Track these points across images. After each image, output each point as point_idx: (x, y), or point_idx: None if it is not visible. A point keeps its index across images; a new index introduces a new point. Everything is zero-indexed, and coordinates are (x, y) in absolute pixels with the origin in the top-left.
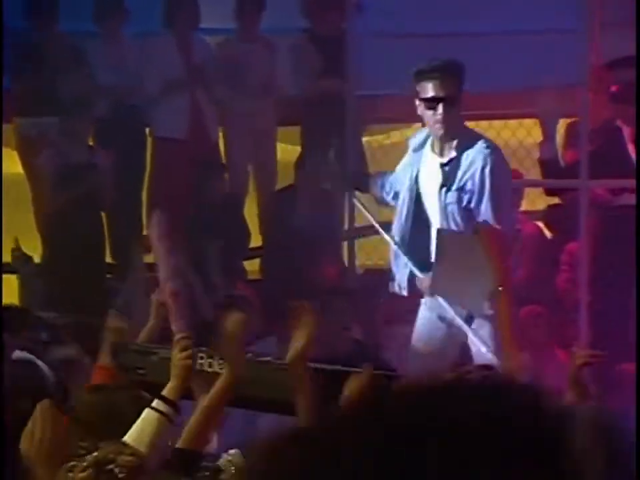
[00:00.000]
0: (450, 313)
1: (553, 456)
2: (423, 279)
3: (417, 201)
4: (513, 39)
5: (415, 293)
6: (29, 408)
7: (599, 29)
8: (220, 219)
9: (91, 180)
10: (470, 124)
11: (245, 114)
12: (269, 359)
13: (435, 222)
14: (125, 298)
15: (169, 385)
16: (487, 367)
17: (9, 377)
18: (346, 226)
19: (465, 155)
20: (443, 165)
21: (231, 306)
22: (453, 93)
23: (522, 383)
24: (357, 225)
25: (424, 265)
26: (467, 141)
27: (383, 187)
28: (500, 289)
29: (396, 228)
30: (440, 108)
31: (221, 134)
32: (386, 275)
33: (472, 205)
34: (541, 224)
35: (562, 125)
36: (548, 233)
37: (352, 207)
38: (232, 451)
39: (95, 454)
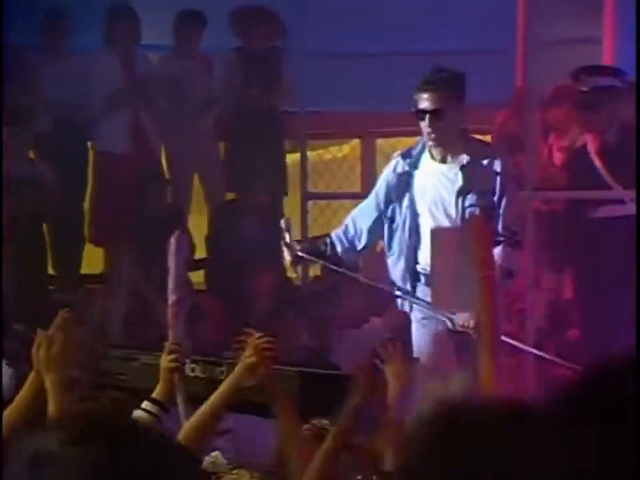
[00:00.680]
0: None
1: None
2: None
3: (414, 215)
4: (443, 59)
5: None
6: None
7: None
8: (164, 230)
9: (34, 193)
10: (407, 140)
11: (186, 128)
12: None
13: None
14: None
15: (158, 387)
16: None
17: None
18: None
19: (482, 160)
20: (462, 168)
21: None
22: (442, 104)
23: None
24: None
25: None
26: (478, 146)
27: (345, 238)
28: (483, 278)
29: (396, 245)
30: (427, 119)
31: (163, 148)
32: (337, 282)
33: (496, 204)
34: None
35: None
36: None
37: (305, 211)
38: (214, 453)
39: None
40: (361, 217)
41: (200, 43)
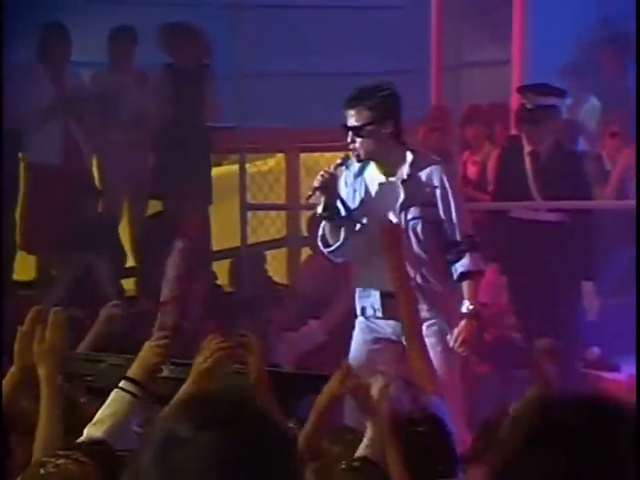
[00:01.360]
0: (386, 331)
1: None
2: None
3: (371, 222)
4: (361, 78)
5: None
6: None
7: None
8: (97, 239)
9: None
10: (316, 155)
11: (118, 141)
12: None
13: None
14: None
15: (133, 367)
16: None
17: None
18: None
19: (422, 172)
20: (402, 182)
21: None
22: (362, 121)
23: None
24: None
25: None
26: (419, 159)
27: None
28: (397, 278)
29: (348, 250)
30: (350, 135)
31: (95, 160)
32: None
33: (441, 217)
34: None
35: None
36: None
37: (244, 224)
38: None
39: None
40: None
41: (133, 58)
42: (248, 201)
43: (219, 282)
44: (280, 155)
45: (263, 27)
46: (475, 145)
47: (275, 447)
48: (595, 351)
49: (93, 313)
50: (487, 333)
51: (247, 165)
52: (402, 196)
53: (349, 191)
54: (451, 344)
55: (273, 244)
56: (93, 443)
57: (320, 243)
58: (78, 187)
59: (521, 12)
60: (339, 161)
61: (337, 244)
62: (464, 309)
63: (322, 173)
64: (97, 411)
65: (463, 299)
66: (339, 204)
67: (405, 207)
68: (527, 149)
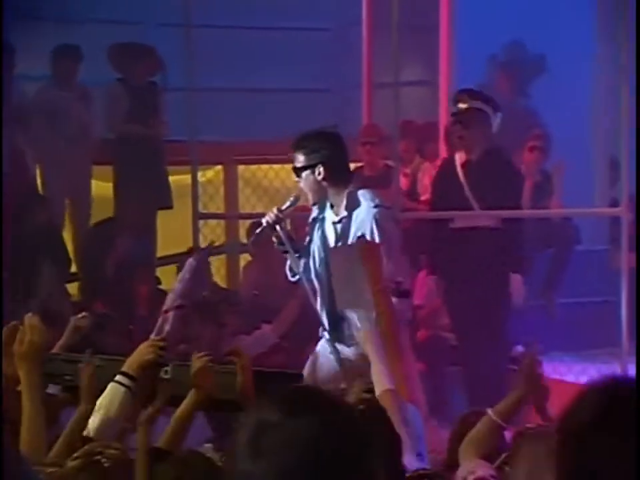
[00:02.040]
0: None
1: None
2: None
3: (327, 255)
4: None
5: None
6: None
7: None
8: (41, 246)
9: None
10: (252, 167)
11: (61, 153)
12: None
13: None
14: None
15: (128, 361)
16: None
17: None
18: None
19: (355, 214)
20: (335, 223)
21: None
22: (301, 164)
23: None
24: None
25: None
26: (355, 200)
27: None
28: (377, 292)
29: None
30: (295, 176)
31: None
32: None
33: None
34: None
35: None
36: None
37: (196, 232)
38: (206, 445)
39: (85, 447)
40: None
41: (76, 75)
42: (201, 210)
43: (161, 287)
44: (218, 167)
45: (210, 46)
46: (406, 158)
47: (355, 432)
48: (519, 349)
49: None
50: (421, 333)
51: (185, 177)
52: (334, 236)
53: (315, 226)
54: None
55: (214, 250)
56: None
57: (287, 272)
58: (22, 194)
59: (447, 33)
60: (288, 203)
61: (297, 277)
62: None
63: (270, 212)
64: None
65: None
66: (286, 241)
67: (338, 245)
68: (459, 160)
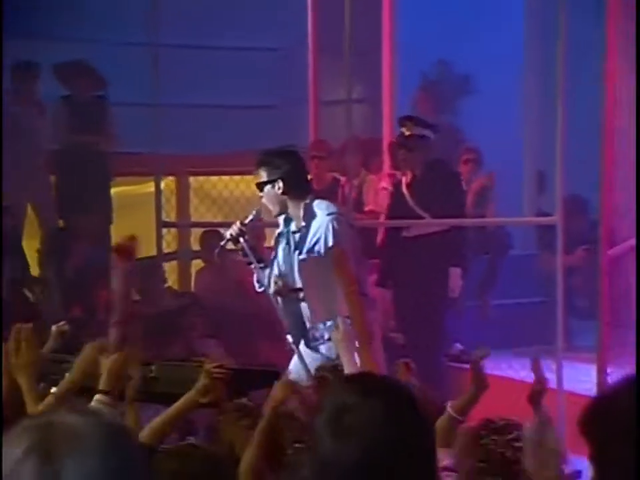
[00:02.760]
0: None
1: None
2: None
3: (291, 266)
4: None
5: None
6: None
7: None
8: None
9: None
10: (200, 178)
11: (22, 164)
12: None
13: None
14: None
15: (104, 380)
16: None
17: None
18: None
19: (313, 223)
20: (294, 233)
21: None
22: (261, 179)
23: None
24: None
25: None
26: (311, 211)
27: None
28: (349, 293)
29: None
30: (258, 191)
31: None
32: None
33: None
34: None
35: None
36: None
37: (160, 236)
38: (189, 440)
39: None
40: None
41: (35, 90)
42: (164, 219)
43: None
44: (170, 178)
45: (163, 64)
46: (350, 172)
47: (417, 411)
48: (458, 346)
49: None
50: None
51: (137, 187)
52: (293, 245)
53: (280, 240)
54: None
55: (167, 257)
56: None
57: (255, 283)
58: None
59: (389, 55)
60: (250, 216)
61: (264, 287)
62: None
63: (234, 225)
64: None
65: None
66: (249, 253)
67: (296, 253)
68: (405, 181)
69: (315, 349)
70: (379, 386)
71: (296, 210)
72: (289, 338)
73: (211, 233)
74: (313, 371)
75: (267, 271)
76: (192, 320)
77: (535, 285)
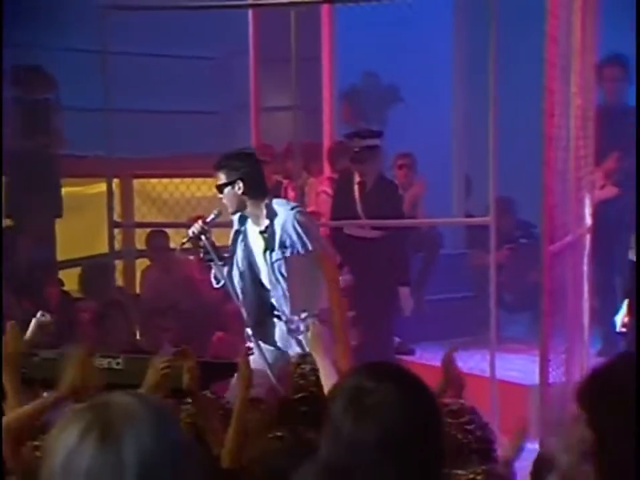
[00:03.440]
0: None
1: None
2: None
3: (249, 263)
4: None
5: None
6: None
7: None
8: None
9: None
10: (142, 180)
11: None
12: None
13: (264, 278)
14: None
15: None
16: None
17: None
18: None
19: (276, 220)
20: (262, 232)
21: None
22: (221, 181)
23: None
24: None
25: (261, 317)
26: (272, 210)
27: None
28: (330, 281)
29: (236, 285)
30: (218, 192)
31: None
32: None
33: (295, 253)
34: None
35: None
36: None
37: (112, 239)
38: None
39: None
40: None
41: None
42: (116, 219)
43: (65, 288)
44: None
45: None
46: (293, 175)
47: (429, 394)
48: (396, 339)
49: None
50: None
51: (82, 188)
52: (262, 244)
53: (237, 238)
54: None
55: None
56: None
57: (213, 280)
58: None
59: (329, 64)
60: (212, 215)
61: (221, 283)
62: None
63: (196, 224)
64: None
65: None
66: (211, 251)
67: (266, 252)
68: (357, 180)
69: (273, 344)
70: (391, 372)
71: (255, 209)
72: (248, 331)
73: (157, 233)
74: (271, 362)
75: (226, 269)
76: (168, 322)
77: (465, 281)
